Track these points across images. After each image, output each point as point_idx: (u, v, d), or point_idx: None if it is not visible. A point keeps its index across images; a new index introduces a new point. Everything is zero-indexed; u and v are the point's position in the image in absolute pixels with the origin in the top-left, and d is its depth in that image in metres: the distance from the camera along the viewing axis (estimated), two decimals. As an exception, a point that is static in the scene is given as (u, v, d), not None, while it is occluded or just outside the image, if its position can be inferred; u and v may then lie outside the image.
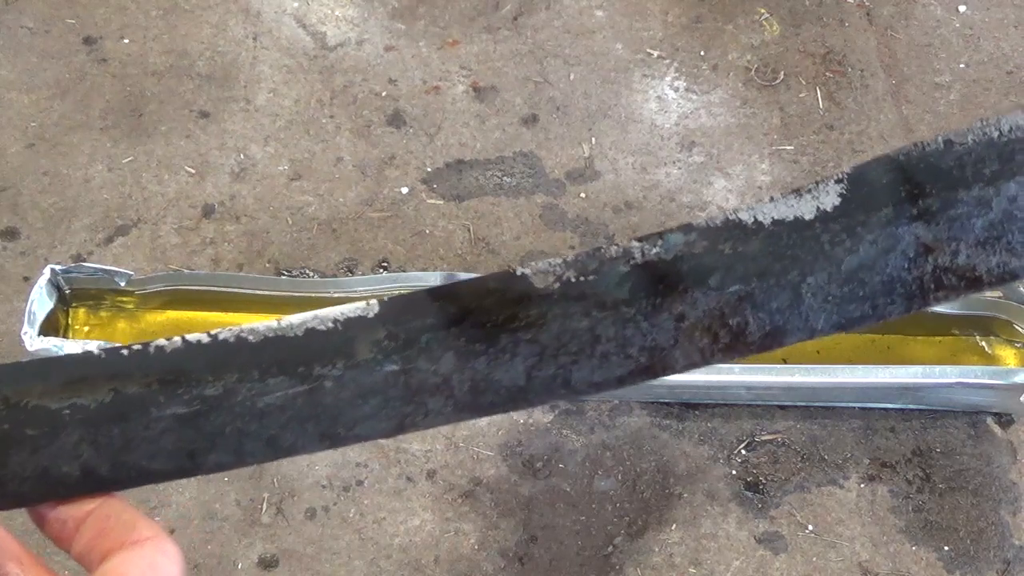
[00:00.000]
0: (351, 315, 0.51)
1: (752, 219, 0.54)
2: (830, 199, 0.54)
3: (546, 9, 1.76)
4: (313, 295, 1.33)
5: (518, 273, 0.52)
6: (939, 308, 1.29)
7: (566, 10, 1.76)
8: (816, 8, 1.76)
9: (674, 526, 1.24)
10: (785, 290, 0.53)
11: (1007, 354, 1.31)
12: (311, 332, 0.50)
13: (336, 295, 1.34)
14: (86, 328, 1.35)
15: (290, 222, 1.50)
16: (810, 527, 1.24)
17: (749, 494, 1.27)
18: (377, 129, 1.61)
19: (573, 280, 0.53)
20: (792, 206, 0.54)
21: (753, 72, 1.68)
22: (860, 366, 1.24)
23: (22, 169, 1.55)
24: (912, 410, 1.32)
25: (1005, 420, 1.31)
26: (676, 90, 1.66)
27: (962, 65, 1.68)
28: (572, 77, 1.67)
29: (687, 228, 0.54)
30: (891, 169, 0.55)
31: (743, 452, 1.30)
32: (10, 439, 0.47)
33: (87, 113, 1.62)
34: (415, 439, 1.30)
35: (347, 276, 1.43)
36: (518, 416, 1.32)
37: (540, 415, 1.32)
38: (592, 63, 1.69)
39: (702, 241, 0.54)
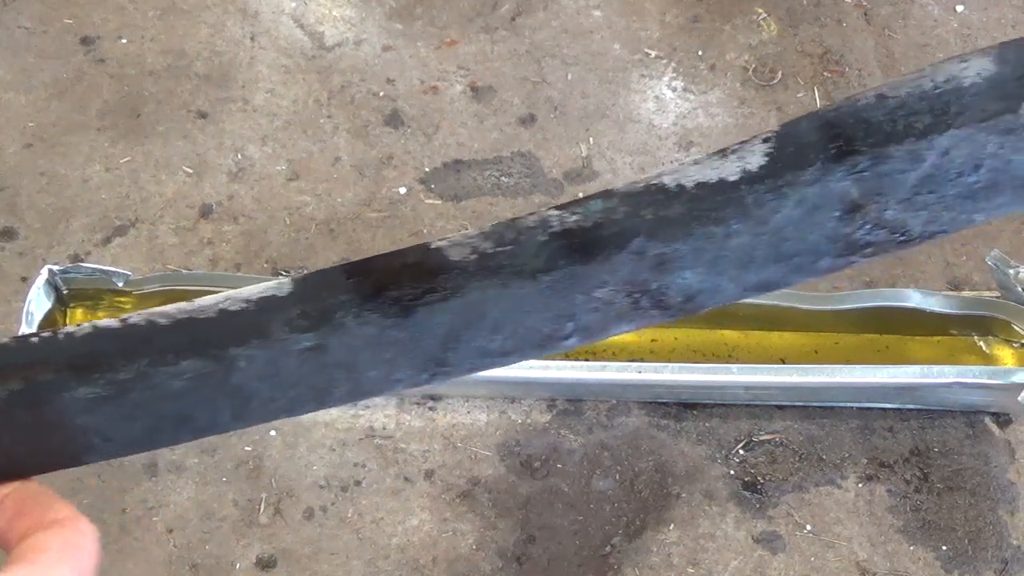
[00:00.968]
0: (264, 294, 0.50)
1: (675, 183, 0.53)
2: (756, 159, 0.53)
3: (544, 9, 1.76)
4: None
5: (433, 246, 0.51)
6: (938, 308, 1.29)
7: (564, 10, 1.76)
8: (814, 8, 1.76)
9: (672, 526, 1.24)
10: (708, 253, 0.52)
11: (1005, 354, 1.31)
12: (224, 313, 0.50)
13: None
14: (84, 328, 1.35)
15: (288, 222, 1.50)
16: (808, 527, 1.24)
17: (747, 494, 1.27)
18: (375, 129, 1.61)
19: (490, 251, 0.52)
20: (716, 168, 0.53)
21: (751, 72, 1.68)
22: (858, 366, 1.24)
23: (20, 169, 1.55)
24: (910, 410, 1.32)
25: (1003, 420, 1.31)
26: (674, 90, 1.66)
27: (960, 65, 1.68)
28: (570, 77, 1.67)
29: (607, 194, 0.53)
30: (820, 125, 0.53)
31: (741, 452, 1.30)
32: None
33: (85, 113, 1.62)
34: (413, 438, 1.30)
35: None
36: (516, 416, 1.32)
37: (538, 415, 1.32)
38: (590, 63, 1.69)
39: (623, 207, 0.52)
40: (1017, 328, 1.30)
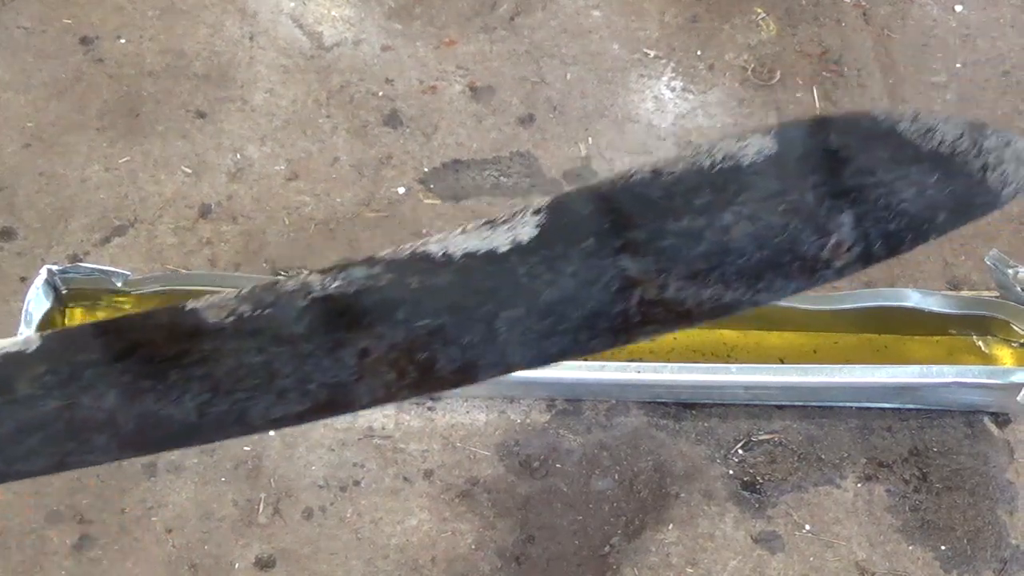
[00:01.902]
0: (10, 350, 0.49)
1: (441, 252, 0.52)
2: (527, 230, 0.52)
3: (543, 9, 1.76)
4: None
5: (187, 308, 0.51)
6: (937, 308, 1.29)
7: (563, 10, 1.76)
8: (813, 8, 1.76)
9: (671, 526, 1.24)
10: (478, 324, 0.51)
11: (1004, 354, 1.31)
12: None
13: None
14: (83, 328, 1.35)
15: (287, 222, 1.50)
16: (807, 527, 1.24)
17: (746, 494, 1.27)
18: (374, 129, 1.61)
19: (248, 314, 0.51)
20: (485, 238, 0.52)
21: (750, 72, 1.68)
22: (857, 366, 1.24)
23: (18, 169, 1.55)
24: (909, 410, 1.32)
25: (1002, 420, 1.31)
26: (673, 90, 1.66)
27: (958, 65, 1.68)
28: (569, 77, 1.67)
29: (371, 261, 0.52)
30: (594, 199, 0.53)
31: (740, 452, 1.30)
32: None
33: (84, 113, 1.62)
34: (412, 438, 1.30)
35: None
36: (515, 416, 1.32)
37: (537, 415, 1.32)
38: (589, 63, 1.69)
39: (387, 274, 0.51)
40: (1016, 328, 1.30)
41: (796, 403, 1.32)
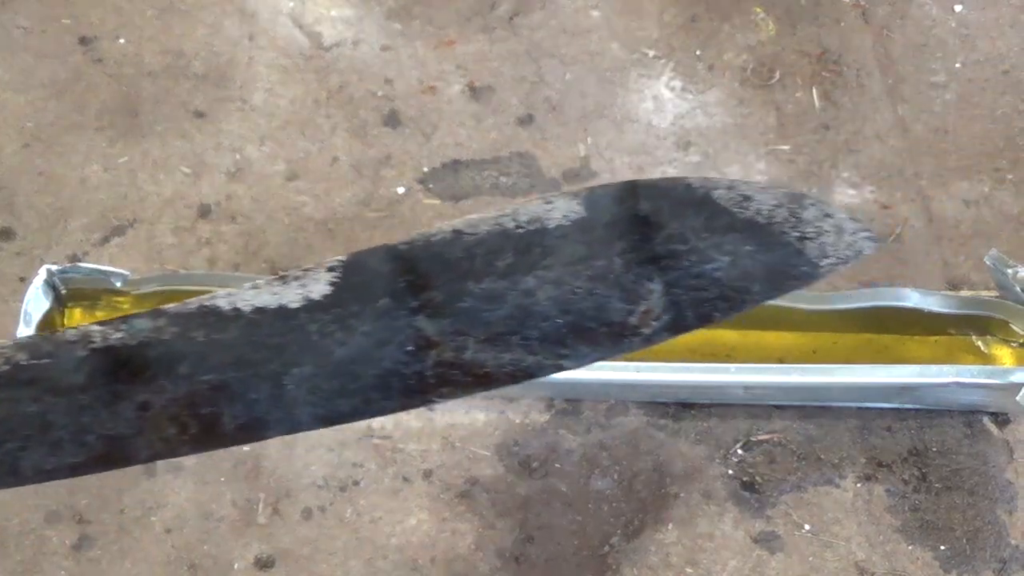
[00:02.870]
0: None
1: (230, 306, 0.51)
2: (320, 287, 0.52)
3: (542, 9, 1.76)
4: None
5: None
6: (936, 308, 1.29)
7: (562, 10, 1.76)
8: (812, 8, 1.76)
9: (671, 526, 1.24)
10: (266, 381, 0.51)
11: (1003, 353, 1.31)
12: None
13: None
14: (82, 328, 1.35)
15: (286, 222, 1.50)
16: (807, 527, 1.24)
17: (746, 494, 1.27)
18: (373, 129, 1.61)
19: (24, 363, 0.50)
20: (277, 293, 0.51)
21: (749, 72, 1.68)
22: (856, 366, 1.24)
23: (17, 169, 1.55)
24: (908, 410, 1.32)
25: (1001, 419, 1.31)
26: (672, 90, 1.66)
27: (958, 65, 1.68)
28: (568, 77, 1.67)
29: (156, 313, 0.51)
30: (391, 258, 0.52)
31: (739, 452, 1.30)
32: None
33: (83, 113, 1.62)
34: (411, 438, 1.30)
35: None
36: (514, 416, 1.32)
37: (537, 415, 1.32)
38: (588, 63, 1.69)
39: (172, 327, 0.50)
40: (1015, 328, 1.30)
41: (795, 403, 1.32)
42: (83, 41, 1.71)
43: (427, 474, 1.28)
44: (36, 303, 1.27)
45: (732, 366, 1.25)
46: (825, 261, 0.56)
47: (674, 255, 0.53)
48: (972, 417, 1.31)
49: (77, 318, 1.34)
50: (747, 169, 1.55)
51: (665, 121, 1.62)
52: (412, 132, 1.61)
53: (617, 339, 0.53)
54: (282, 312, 0.51)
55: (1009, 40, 1.71)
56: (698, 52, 1.70)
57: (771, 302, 1.29)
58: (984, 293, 1.32)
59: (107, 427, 0.49)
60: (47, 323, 1.28)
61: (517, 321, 0.52)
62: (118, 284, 1.31)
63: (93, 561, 1.22)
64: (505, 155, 1.58)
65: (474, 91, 1.66)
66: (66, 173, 1.55)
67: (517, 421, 1.32)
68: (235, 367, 0.50)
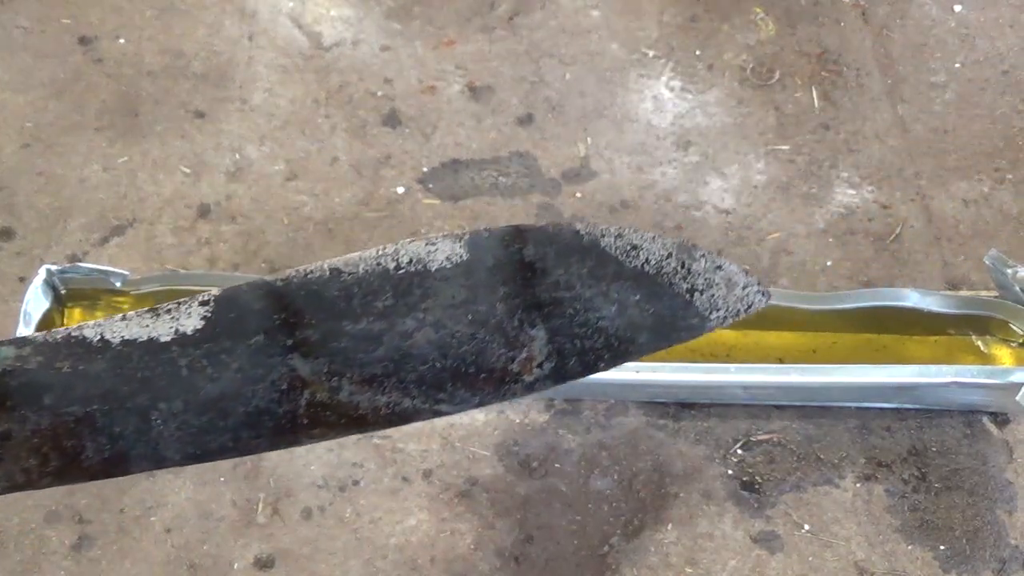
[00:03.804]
0: None
1: (98, 337, 0.50)
2: (192, 322, 0.51)
3: (542, 9, 1.76)
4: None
5: None
6: (936, 308, 1.29)
7: (562, 10, 1.76)
8: (812, 7, 1.76)
9: (670, 526, 1.24)
10: (132, 415, 0.50)
11: (1003, 353, 1.31)
12: None
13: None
14: (81, 328, 1.35)
15: (286, 222, 1.50)
16: (806, 527, 1.24)
17: (745, 494, 1.27)
18: (373, 129, 1.61)
19: None
20: (147, 326, 0.50)
21: (749, 72, 1.68)
22: (856, 366, 1.24)
23: (17, 169, 1.55)
24: (908, 409, 1.32)
25: (1001, 419, 1.31)
26: (672, 90, 1.66)
27: (957, 65, 1.68)
28: (568, 77, 1.67)
29: (21, 342, 0.50)
30: (266, 295, 0.51)
31: (739, 452, 1.30)
32: None
33: (82, 113, 1.62)
34: (411, 438, 1.30)
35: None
36: (514, 415, 1.32)
37: (536, 415, 1.32)
38: (588, 63, 1.69)
39: (37, 356, 0.50)
40: (1015, 327, 1.30)
41: (795, 403, 1.32)
42: (83, 41, 1.71)
43: (427, 474, 1.28)
44: (36, 303, 1.27)
45: (732, 366, 1.25)
46: (715, 314, 0.56)
47: (558, 302, 0.52)
48: (972, 417, 1.32)
49: (77, 318, 1.34)
50: (746, 169, 1.55)
51: (665, 121, 1.62)
52: (412, 132, 1.61)
53: (498, 385, 0.53)
54: (152, 345, 0.50)
55: (1009, 40, 1.71)
56: (698, 52, 1.70)
57: (771, 302, 1.30)
58: (984, 293, 1.32)
59: None
60: (47, 323, 1.28)
61: (394, 363, 0.51)
62: (118, 284, 1.31)
63: (93, 561, 1.22)
64: (505, 155, 1.58)
65: (474, 91, 1.66)
66: (66, 173, 1.55)
67: (517, 421, 1.32)
68: (101, 400, 0.49)
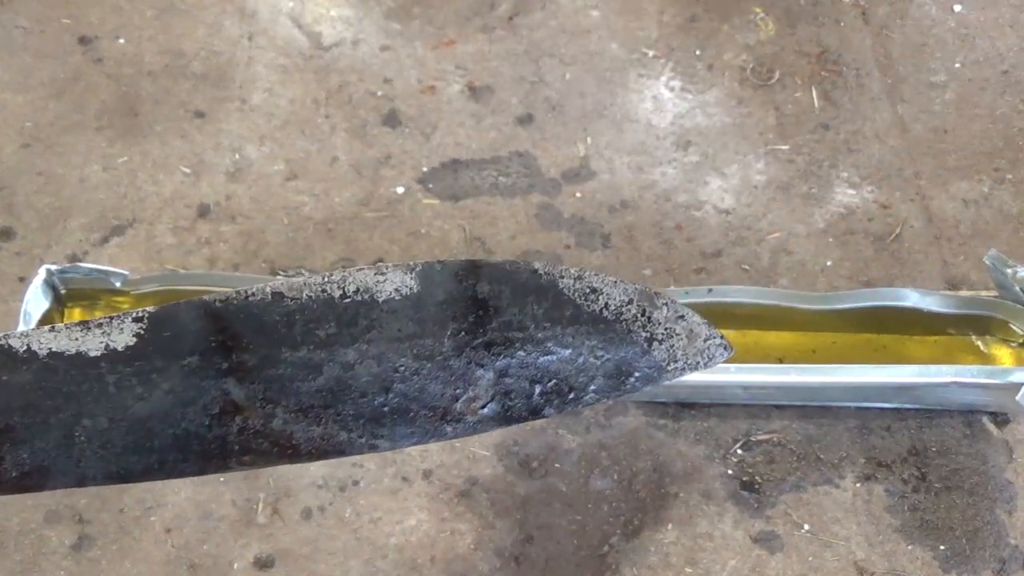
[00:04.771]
0: None
1: (24, 347, 0.49)
2: (124, 337, 0.49)
3: (541, 9, 1.76)
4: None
5: None
6: (935, 308, 1.29)
7: (562, 10, 1.76)
8: (811, 7, 1.76)
9: (670, 526, 1.24)
10: (54, 430, 0.48)
11: (1003, 353, 1.31)
12: None
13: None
14: (81, 328, 1.35)
15: (286, 222, 1.50)
16: (806, 526, 1.24)
17: (745, 494, 1.27)
18: (373, 129, 1.61)
19: None
20: (77, 339, 0.49)
21: (748, 72, 1.68)
22: (856, 366, 1.24)
23: (17, 169, 1.55)
24: (908, 409, 1.32)
25: (1001, 419, 1.31)
26: (672, 90, 1.66)
27: (957, 64, 1.68)
28: (568, 77, 1.67)
29: None
30: (204, 315, 0.50)
31: (739, 452, 1.30)
32: None
33: (82, 113, 1.62)
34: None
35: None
36: (514, 416, 1.32)
37: (536, 415, 1.32)
38: (588, 63, 1.69)
39: None
40: (1015, 327, 1.30)
41: (795, 403, 1.32)
42: (83, 41, 1.71)
43: (427, 474, 1.28)
44: (36, 303, 1.27)
45: (732, 366, 1.25)
46: (673, 365, 0.54)
47: (510, 343, 0.51)
48: (972, 417, 1.31)
49: (77, 318, 1.34)
50: (746, 169, 1.55)
51: (664, 121, 1.62)
52: (411, 132, 1.61)
53: (439, 424, 0.52)
54: (80, 359, 0.49)
55: (1009, 40, 1.71)
56: (697, 52, 1.70)
57: (770, 302, 1.30)
58: (984, 293, 1.32)
59: None
60: (46, 323, 1.28)
61: (332, 395, 0.50)
62: (118, 284, 1.31)
63: (93, 561, 1.22)
64: (504, 155, 1.58)
65: (473, 91, 1.66)
66: (66, 173, 1.55)
67: (517, 421, 1.32)
68: (22, 412, 0.47)
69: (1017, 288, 1.24)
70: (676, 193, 1.53)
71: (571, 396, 0.53)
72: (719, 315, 1.31)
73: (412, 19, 1.75)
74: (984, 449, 1.29)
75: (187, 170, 1.56)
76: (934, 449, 1.29)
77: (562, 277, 0.53)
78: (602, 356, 0.53)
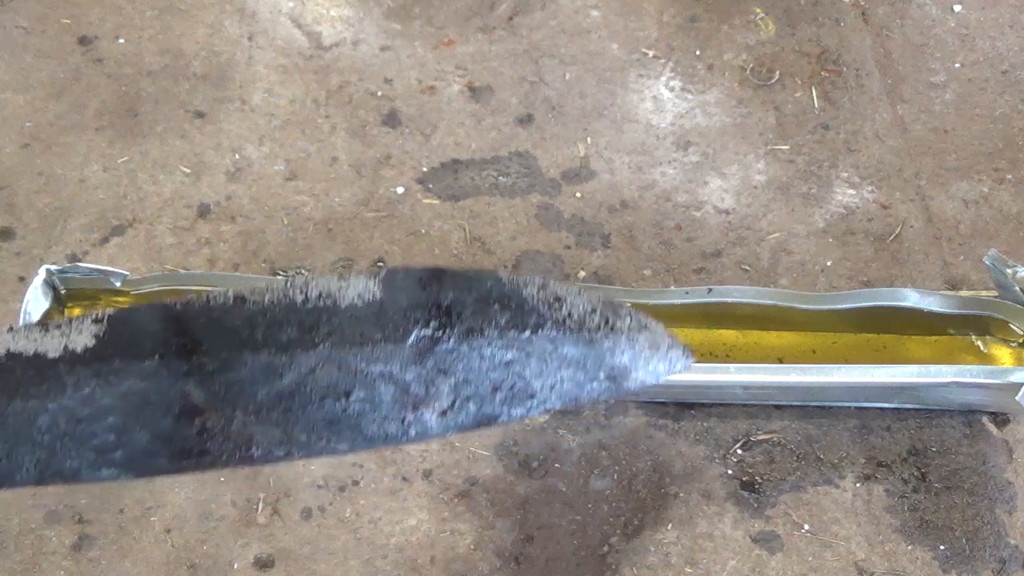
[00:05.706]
0: None
1: None
2: (83, 339, 0.49)
3: (541, 9, 1.76)
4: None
5: None
6: (935, 308, 1.29)
7: (561, 10, 1.76)
8: (811, 8, 1.76)
9: (670, 526, 1.24)
10: (8, 429, 0.49)
11: (1003, 353, 1.31)
12: None
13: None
14: (81, 328, 1.35)
15: (286, 222, 1.50)
16: (806, 527, 1.24)
17: (745, 494, 1.27)
18: (373, 129, 1.61)
19: None
20: (35, 340, 0.49)
21: (748, 72, 1.68)
22: (856, 366, 1.24)
23: (17, 169, 1.55)
24: (908, 409, 1.32)
25: (1001, 419, 1.31)
26: (672, 90, 1.66)
27: (957, 65, 1.68)
28: (568, 77, 1.67)
29: None
30: (164, 318, 0.50)
31: (739, 452, 1.30)
32: None
33: (82, 113, 1.62)
34: (411, 439, 1.30)
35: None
36: (514, 416, 1.32)
37: (536, 415, 1.32)
38: (588, 63, 1.69)
39: None
40: (1015, 327, 1.30)
41: (795, 403, 1.32)
42: (83, 41, 1.71)
43: (426, 474, 1.28)
44: (35, 303, 1.27)
45: (732, 366, 1.25)
46: (633, 375, 0.55)
47: (472, 349, 0.51)
48: (971, 417, 1.32)
49: (77, 318, 1.34)
50: (746, 169, 1.56)
51: (664, 121, 1.62)
52: (411, 132, 1.61)
53: (400, 427, 0.52)
54: (37, 360, 0.49)
55: (1008, 40, 1.71)
56: (697, 52, 1.70)
57: (770, 302, 1.30)
58: (983, 293, 1.32)
59: None
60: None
61: (293, 398, 0.50)
62: (117, 284, 1.31)
63: (92, 561, 1.22)
64: (504, 155, 1.58)
65: (473, 91, 1.66)
66: (66, 173, 1.55)
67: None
68: None
69: (1017, 288, 1.24)
70: (676, 193, 1.53)
71: (532, 402, 0.54)
72: (719, 315, 1.31)
73: (412, 19, 1.75)
74: (984, 449, 1.29)
75: (187, 170, 1.56)
76: (934, 449, 1.29)
77: (526, 286, 0.54)
78: (564, 364, 0.53)
